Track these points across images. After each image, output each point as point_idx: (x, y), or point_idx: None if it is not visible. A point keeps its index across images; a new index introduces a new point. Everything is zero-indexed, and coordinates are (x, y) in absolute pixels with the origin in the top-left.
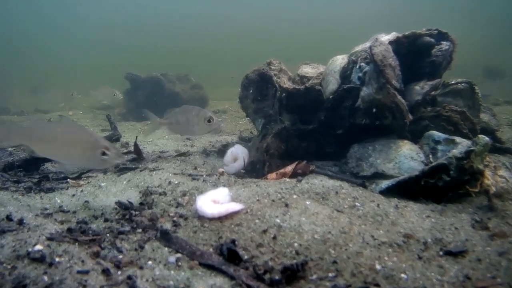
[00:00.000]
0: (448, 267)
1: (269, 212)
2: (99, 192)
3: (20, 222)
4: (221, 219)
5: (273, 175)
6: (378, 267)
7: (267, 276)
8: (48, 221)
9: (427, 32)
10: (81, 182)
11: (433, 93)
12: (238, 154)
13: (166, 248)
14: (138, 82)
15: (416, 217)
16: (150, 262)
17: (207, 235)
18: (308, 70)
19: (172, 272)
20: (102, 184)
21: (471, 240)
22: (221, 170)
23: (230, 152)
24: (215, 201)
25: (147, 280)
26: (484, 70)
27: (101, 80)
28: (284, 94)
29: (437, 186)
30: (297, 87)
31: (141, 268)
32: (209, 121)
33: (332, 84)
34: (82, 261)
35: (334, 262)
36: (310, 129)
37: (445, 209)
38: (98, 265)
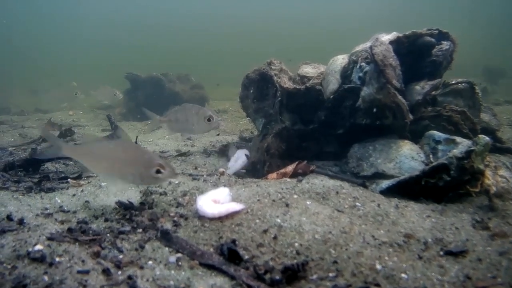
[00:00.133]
0: (448, 267)
1: (270, 212)
2: (100, 192)
3: (21, 222)
4: (221, 219)
5: (273, 175)
6: (378, 267)
7: (267, 276)
8: (48, 221)
9: (427, 32)
10: (82, 182)
11: (433, 93)
12: (240, 156)
13: (167, 248)
14: (138, 82)
15: (417, 217)
16: (150, 262)
17: (208, 235)
18: (309, 70)
19: (173, 272)
20: (103, 184)
21: (472, 240)
22: (221, 170)
23: (235, 156)
24: (215, 201)
25: (147, 280)
26: (484, 70)
27: (101, 80)
28: (284, 94)
29: (437, 186)
30: (297, 87)
31: (141, 268)
32: (209, 120)
33: (333, 84)
34: (83, 261)
35: (335, 262)
36: (311, 129)
37: (445, 209)
38: (99, 265)
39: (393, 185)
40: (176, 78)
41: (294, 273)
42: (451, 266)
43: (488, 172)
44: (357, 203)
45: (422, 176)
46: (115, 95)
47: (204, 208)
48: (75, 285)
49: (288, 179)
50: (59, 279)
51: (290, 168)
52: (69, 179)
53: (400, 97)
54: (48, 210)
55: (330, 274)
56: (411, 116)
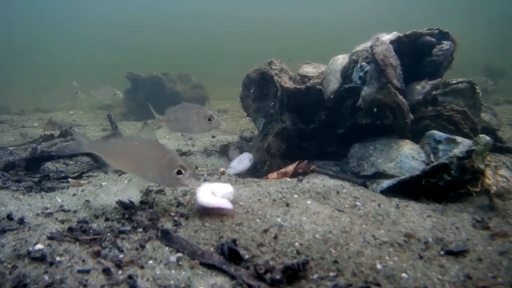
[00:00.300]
0: (449, 266)
1: (270, 212)
2: (100, 191)
3: (21, 221)
4: (221, 217)
5: (274, 174)
6: (379, 266)
7: (268, 276)
8: (48, 220)
9: (428, 31)
10: (82, 182)
11: (434, 92)
12: (244, 159)
13: (167, 248)
14: (139, 81)
15: (417, 217)
16: (151, 262)
17: (208, 235)
18: (309, 69)
19: (173, 271)
20: (103, 183)
21: (472, 239)
22: (222, 169)
23: (239, 157)
24: (213, 193)
25: (147, 280)
26: (484, 70)
27: (101, 80)
28: (285, 93)
29: (438, 186)
30: (298, 86)
31: (142, 267)
32: (209, 119)
33: (333, 84)
34: (83, 261)
35: (335, 261)
36: (311, 128)
37: (446, 208)
38: (99, 265)
39: (394, 185)
40: (177, 78)
41: (294, 272)
42: (451, 266)
43: (489, 172)
44: (358, 203)
45: (422, 176)
46: (115, 94)
47: (199, 194)
48: (75, 284)
49: (289, 179)
50: (60, 279)
51: (290, 168)
52: (69, 179)
53: (400, 96)
54: (49, 210)
55: (331, 274)
56: (411, 116)
